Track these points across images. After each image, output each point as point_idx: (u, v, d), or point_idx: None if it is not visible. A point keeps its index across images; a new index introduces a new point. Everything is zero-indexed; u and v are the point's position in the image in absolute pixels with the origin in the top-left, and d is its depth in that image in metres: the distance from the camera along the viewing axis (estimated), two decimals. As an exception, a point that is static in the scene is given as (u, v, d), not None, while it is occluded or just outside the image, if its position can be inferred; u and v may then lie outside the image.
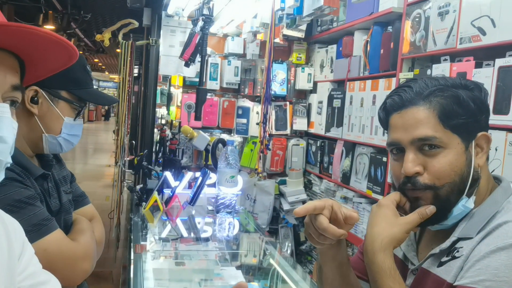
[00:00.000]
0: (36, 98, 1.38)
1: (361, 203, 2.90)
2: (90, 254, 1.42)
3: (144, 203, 2.68)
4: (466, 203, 1.03)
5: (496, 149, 1.84)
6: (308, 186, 3.67)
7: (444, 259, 1.03)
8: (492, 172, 1.22)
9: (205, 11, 2.46)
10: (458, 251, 1.01)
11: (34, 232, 1.25)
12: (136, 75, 4.92)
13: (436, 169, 1.02)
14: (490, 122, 1.10)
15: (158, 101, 3.66)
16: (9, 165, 0.87)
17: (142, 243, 2.19)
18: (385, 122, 1.11)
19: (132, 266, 1.88)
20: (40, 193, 1.39)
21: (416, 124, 1.03)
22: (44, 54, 0.87)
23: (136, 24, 3.14)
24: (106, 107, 30.75)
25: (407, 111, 1.04)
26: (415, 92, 1.04)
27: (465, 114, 1.02)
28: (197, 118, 2.68)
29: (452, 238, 1.04)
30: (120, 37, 3.20)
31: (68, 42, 0.85)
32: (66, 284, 1.34)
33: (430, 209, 1.04)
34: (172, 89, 3.67)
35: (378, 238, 1.03)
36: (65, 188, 1.56)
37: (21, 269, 0.93)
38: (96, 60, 18.80)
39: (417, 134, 1.02)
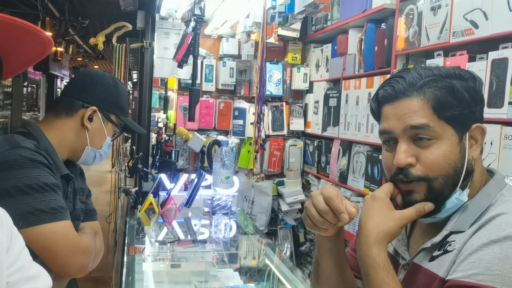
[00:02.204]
0: (91, 117, 1.63)
1: (359, 202, 2.87)
2: (90, 251, 1.52)
3: (139, 206, 2.66)
4: (459, 196, 1.01)
5: (491, 143, 1.81)
6: (306, 186, 3.65)
7: (436, 253, 1.01)
8: (488, 166, 1.20)
9: (197, 11, 2.45)
10: (450, 245, 0.99)
11: (49, 214, 1.37)
12: (136, 80, 4.90)
13: (430, 161, 0.99)
14: (485, 116, 1.07)
15: (156, 105, 3.64)
16: None
17: (138, 246, 2.17)
18: (377, 113, 1.09)
19: (124, 269, 1.86)
20: (61, 190, 1.50)
21: (409, 114, 1.00)
22: (18, 45, 0.84)
23: (130, 26, 3.13)
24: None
25: (400, 102, 1.02)
26: (408, 83, 1.02)
27: (460, 105, 1.00)
28: (191, 119, 2.67)
29: (444, 232, 1.02)
30: (114, 40, 3.19)
31: (41, 31, 0.82)
32: (61, 271, 1.43)
33: (428, 206, 1.02)
34: (170, 93, 3.66)
35: (373, 232, 1.01)
36: (81, 198, 1.70)
37: (10, 262, 0.90)
38: (96, 67, 18.82)
39: (411, 122, 1.00)
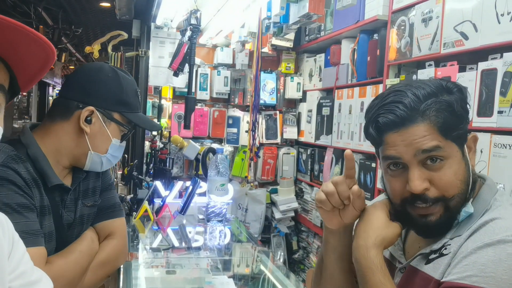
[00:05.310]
0: (89, 118, 1.43)
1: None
2: (63, 278, 1.34)
3: (134, 213, 2.67)
4: (467, 209, 1.03)
5: (481, 151, 1.86)
6: (299, 194, 3.68)
7: (432, 256, 1.04)
8: (478, 173, 1.23)
9: (193, 21, 2.49)
10: (446, 249, 1.02)
11: None
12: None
13: (444, 182, 1.01)
14: (475, 124, 1.10)
15: (150, 113, 3.66)
16: None
17: (133, 252, 2.18)
18: (378, 140, 1.07)
19: (121, 275, 1.87)
20: (48, 204, 1.36)
21: (418, 139, 1.01)
22: (20, 52, 0.79)
23: (126, 35, 3.15)
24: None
25: (407, 129, 1.01)
26: (410, 107, 1.01)
27: (461, 122, 1.03)
28: (186, 126, 2.69)
29: (444, 239, 1.05)
30: (109, 48, 3.21)
31: (43, 38, 0.77)
32: None
33: None
34: (164, 101, 3.69)
35: (373, 235, 1.04)
36: (86, 201, 1.53)
37: (12, 268, 0.90)
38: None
39: (422, 146, 1.00)
